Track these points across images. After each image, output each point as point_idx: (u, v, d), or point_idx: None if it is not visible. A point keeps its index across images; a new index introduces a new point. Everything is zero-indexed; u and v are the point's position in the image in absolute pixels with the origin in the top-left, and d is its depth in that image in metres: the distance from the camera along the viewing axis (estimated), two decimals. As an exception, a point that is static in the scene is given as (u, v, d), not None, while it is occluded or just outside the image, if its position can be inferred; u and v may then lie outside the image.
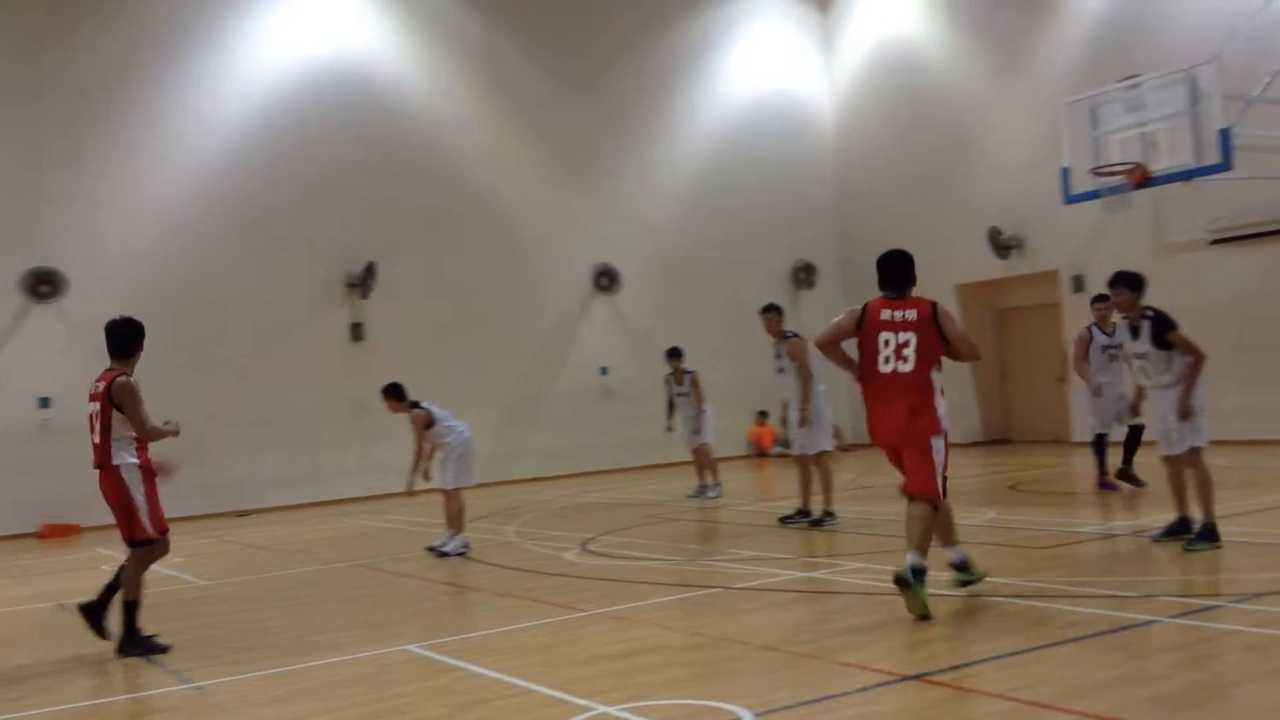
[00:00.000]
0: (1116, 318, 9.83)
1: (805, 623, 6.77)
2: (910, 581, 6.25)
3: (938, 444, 6.62)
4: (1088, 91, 14.87)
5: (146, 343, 7.40)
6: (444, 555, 10.47)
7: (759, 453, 21.35)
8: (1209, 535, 8.03)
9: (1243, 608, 6.18)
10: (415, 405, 10.67)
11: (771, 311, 11.26)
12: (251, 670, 6.43)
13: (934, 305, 6.70)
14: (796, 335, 11.01)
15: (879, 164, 22.10)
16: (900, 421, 6.62)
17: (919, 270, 6.95)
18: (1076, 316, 18.84)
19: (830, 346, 6.89)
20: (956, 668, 5.33)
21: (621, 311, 20.90)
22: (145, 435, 7.15)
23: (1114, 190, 13.82)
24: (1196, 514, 8.18)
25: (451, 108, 19.83)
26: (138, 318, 7.44)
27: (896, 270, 6.82)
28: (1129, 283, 8.38)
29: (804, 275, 22.28)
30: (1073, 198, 14.68)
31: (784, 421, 11.77)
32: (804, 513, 10.93)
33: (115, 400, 7.05)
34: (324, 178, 18.50)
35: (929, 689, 5.05)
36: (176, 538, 7.72)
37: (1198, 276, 16.28)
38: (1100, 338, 11.57)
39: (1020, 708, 4.65)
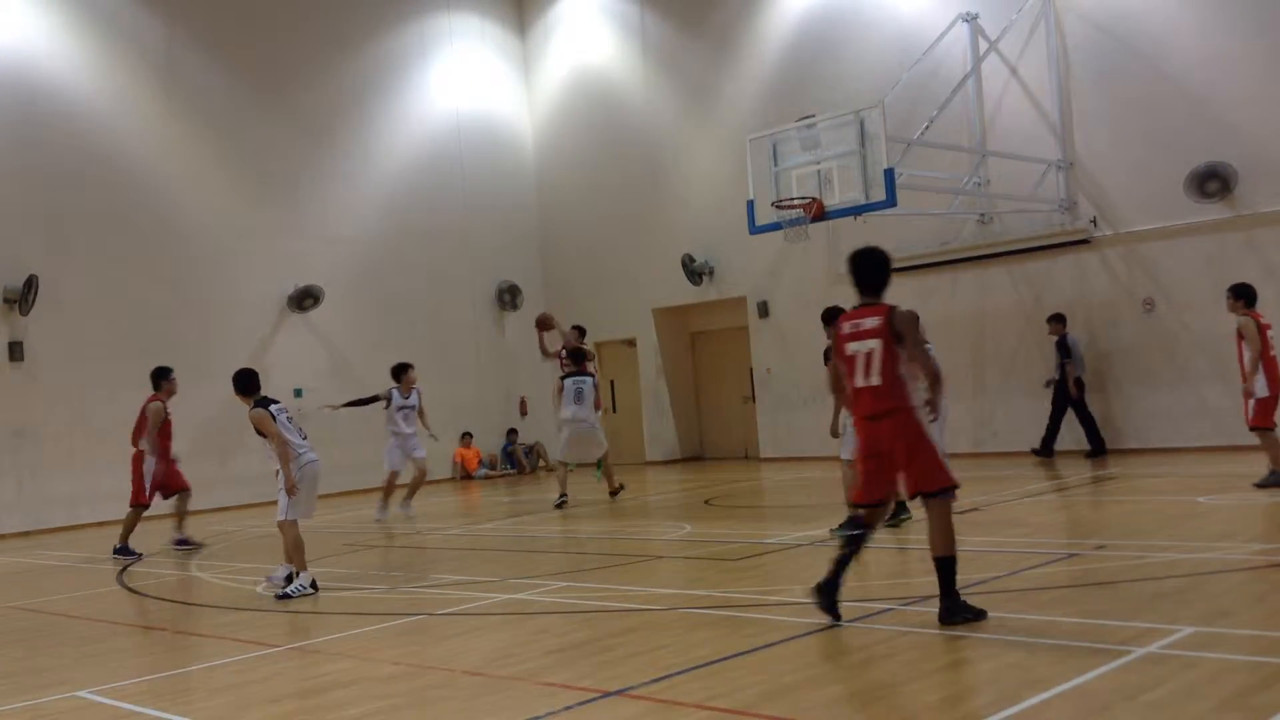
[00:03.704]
0: None
1: (510, 645, 6.74)
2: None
3: None
4: (769, 129, 15.72)
5: None
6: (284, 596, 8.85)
7: (464, 474, 21.17)
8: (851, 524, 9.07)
9: (911, 610, 6.72)
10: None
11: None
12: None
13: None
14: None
15: (580, 188, 22.53)
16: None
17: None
18: (762, 340, 20.06)
19: None
20: (656, 680, 5.48)
21: (320, 331, 20.15)
22: None
23: (793, 222, 14.68)
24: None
25: (127, 112, 18.43)
26: None
27: None
28: (830, 318, 9.60)
29: (508, 296, 22.34)
30: (757, 229, 15.42)
31: None
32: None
33: None
34: (-24, 183, 16.78)
35: (631, 703, 5.16)
36: None
37: (868, 303, 17.60)
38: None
39: (717, 715, 4.85)
